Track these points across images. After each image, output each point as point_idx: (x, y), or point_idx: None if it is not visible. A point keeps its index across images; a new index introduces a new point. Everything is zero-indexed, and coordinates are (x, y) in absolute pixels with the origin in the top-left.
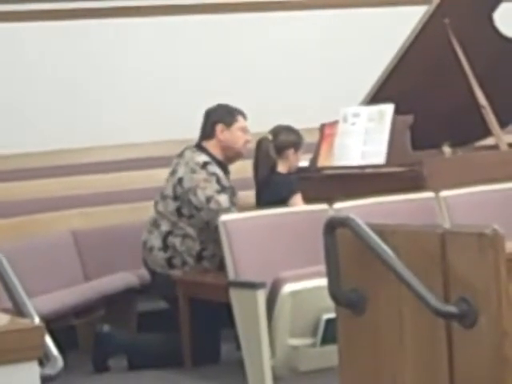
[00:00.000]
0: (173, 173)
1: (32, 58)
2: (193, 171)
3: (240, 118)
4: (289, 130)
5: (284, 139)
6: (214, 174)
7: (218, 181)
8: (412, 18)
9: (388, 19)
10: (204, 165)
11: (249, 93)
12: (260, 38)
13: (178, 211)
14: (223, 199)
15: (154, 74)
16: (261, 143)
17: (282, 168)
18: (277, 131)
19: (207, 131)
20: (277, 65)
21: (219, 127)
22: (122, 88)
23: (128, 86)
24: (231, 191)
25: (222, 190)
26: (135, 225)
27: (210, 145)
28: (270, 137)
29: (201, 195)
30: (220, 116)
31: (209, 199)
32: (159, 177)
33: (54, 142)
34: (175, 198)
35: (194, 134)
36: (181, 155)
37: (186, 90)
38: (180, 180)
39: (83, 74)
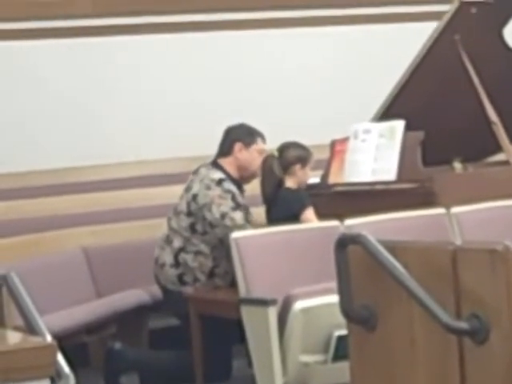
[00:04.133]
0: (187, 189)
1: (45, 75)
2: (208, 188)
3: (259, 141)
4: (295, 145)
5: (290, 155)
6: (229, 191)
7: (233, 198)
8: (422, 34)
9: (398, 35)
10: (219, 181)
11: (259, 110)
12: (272, 55)
13: (192, 227)
14: (238, 216)
15: (165, 91)
16: (266, 160)
17: (290, 184)
18: (283, 147)
19: (225, 148)
20: (287, 82)
21: (238, 145)
22: (133, 105)
23: (139, 103)
24: (245, 209)
25: (237, 207)
26: (147, 242)
27: (225, 162)
28: (276, 153)
29: (216, 212)
30: (240, 135)
31: (223, 216)
32: (171, 194)
33: (65, 160)
34: (189, 214)
35: (206, 151)
36: (196, 172)
37: (197, 108)
38: (194, 196)
39: (95, 92)
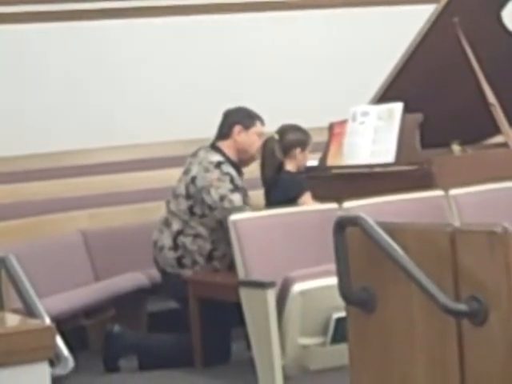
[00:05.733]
0: (186, 172)
1: (44, 59)
2: (206, 170)
3: (258, 124)
4: (295, 128)
5: (290, 138)
6: (227, 173)
7: (232, 180)
8: (421, 16)
9: (397, 18)
10: (218, 164)
11: (257, 93)
12: (269, 38)
13: (190, 210)
14: (237, 198)
15: (164, 75)
16: (266, 143)
17: (290, 167)
18: (283, 130)
19: (224, 131)
20: (285, 65)
21: (237, 128)
22: (129, 89)
23: (136, 86)
24: (244, 191)
25: (236, 189)
26: (144, 225)
27: (224, 145)
28: (277, 136)
29: (214, 194)
30: (239, 117)
31: (222, 198)
32: (168, 177)
33: (62, 143)
34: (188, 196)
35: (204, 134)
36: (194, 155)
37: (195, 90)
38: (193, 179)
39: (94, 76)
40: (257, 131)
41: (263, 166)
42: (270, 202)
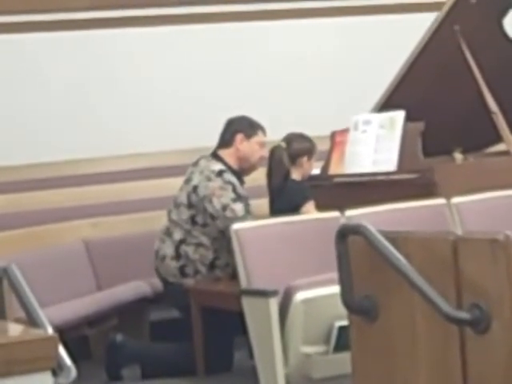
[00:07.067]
0: (187, 181)
1: (44, 68)
2: (208, 179)
3: (260, 133)
4: (302, 137)
5: (298, 147)
6: (229, 182)
7: (234, 189)
8: (422, 24)
9: (398, 26)
10: (220, 173)
11: (261, 101)
12: (272, 47)
13: (192, 219)
14: (239, 208)
15: (164, 84)
16: (274, 151)
17: (296, 175)
18: (290, 139)
19: (226, 139)
20: (289, 73)
21: (239, 136)
22: (130, 98)
23: (137, 95)
24: (245, 200)
25: (238, 198)
26: (147, 234)
27: (225, 153)
28: (284, 145)
29: (216, 203)
30: (242, 126)
31: (224, 207)
32: (170, 186)
33: (64, 153)
34: (190, 206)
35: (205, 143)
36: (196, 164)
37: (197, 100)
38: (195, 188)
39: (95, 86)
40: (258, 141)
41: (270, 174)
42: (275, 210)
